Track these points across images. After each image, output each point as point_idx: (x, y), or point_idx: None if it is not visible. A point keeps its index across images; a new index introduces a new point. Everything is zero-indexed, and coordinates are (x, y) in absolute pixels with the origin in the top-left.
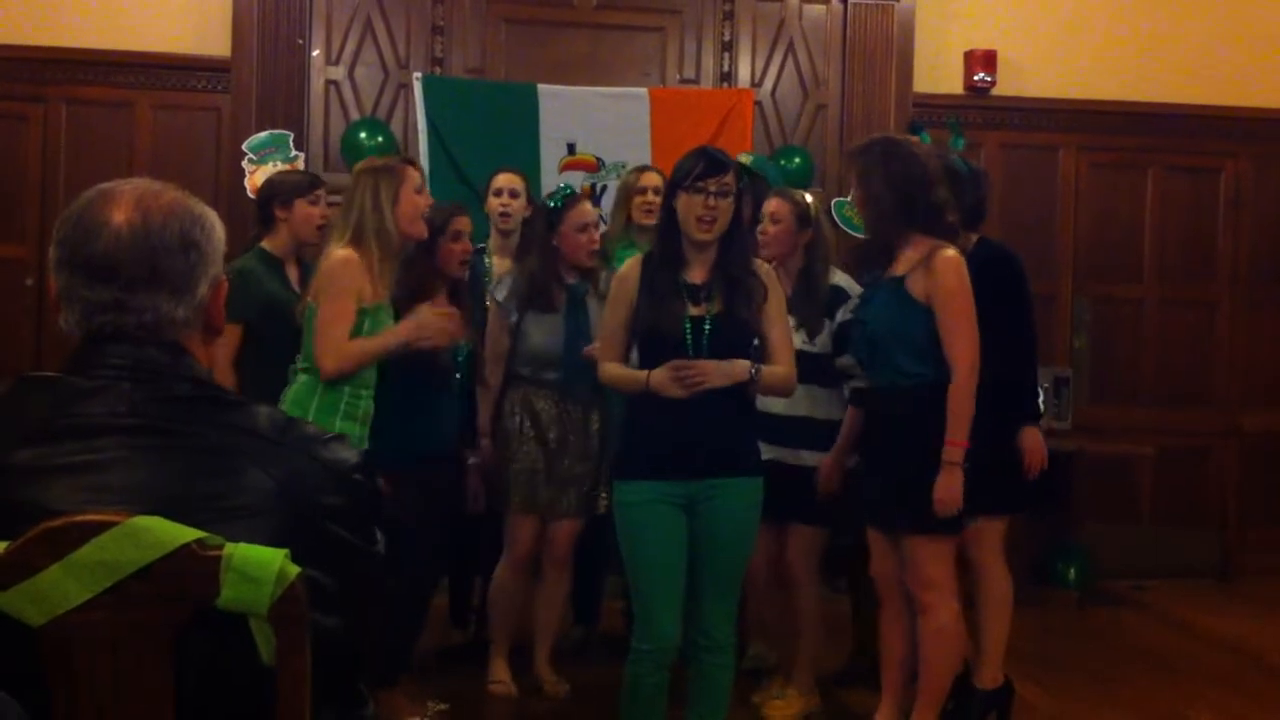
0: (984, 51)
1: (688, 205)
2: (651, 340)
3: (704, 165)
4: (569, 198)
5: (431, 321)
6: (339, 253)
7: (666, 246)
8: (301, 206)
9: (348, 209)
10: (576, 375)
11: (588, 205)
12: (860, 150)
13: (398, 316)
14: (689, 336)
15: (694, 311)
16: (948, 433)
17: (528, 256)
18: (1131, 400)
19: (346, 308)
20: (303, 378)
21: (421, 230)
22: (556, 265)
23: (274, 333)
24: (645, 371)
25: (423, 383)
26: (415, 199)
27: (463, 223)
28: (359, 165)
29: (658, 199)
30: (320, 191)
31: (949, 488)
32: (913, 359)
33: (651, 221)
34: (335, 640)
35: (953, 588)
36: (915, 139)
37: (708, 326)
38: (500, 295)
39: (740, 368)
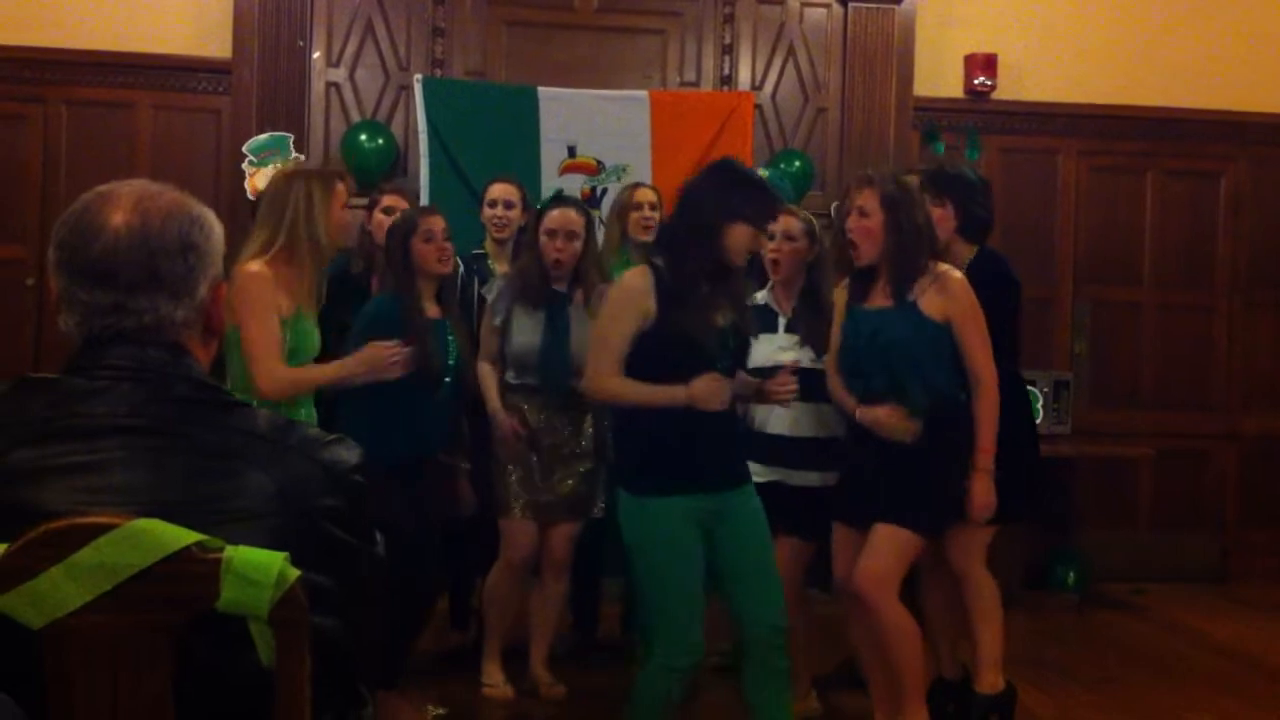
0: (984, 55)
1: (746, 237)
2: (687, 351)
3: (772, 205)
4: (551, 200)
5: (377, 358)
6: (251, 268)
7: (707, 260)
8: None
9: (275, 214)
10: (550, 379)
11: (561, 211)
12: (894, 183)
13: (384, 322)
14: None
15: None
16: (980, 440)
17: (521, 256)
18: (1131, 404)
19: (272, 328)
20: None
21: (349, 240)
22: (542, 264)
23: None
24: (681, 387)
25: (404, 386)
26: (343, 214)
27: (433, 222)
28: (286, 170)
29: (655, 214)
30: None
31: (987, 494)
32: (946, 377)
33: (648, 238)
34: (335, 642)
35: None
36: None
37: (731, 337)
38: (490, 295)
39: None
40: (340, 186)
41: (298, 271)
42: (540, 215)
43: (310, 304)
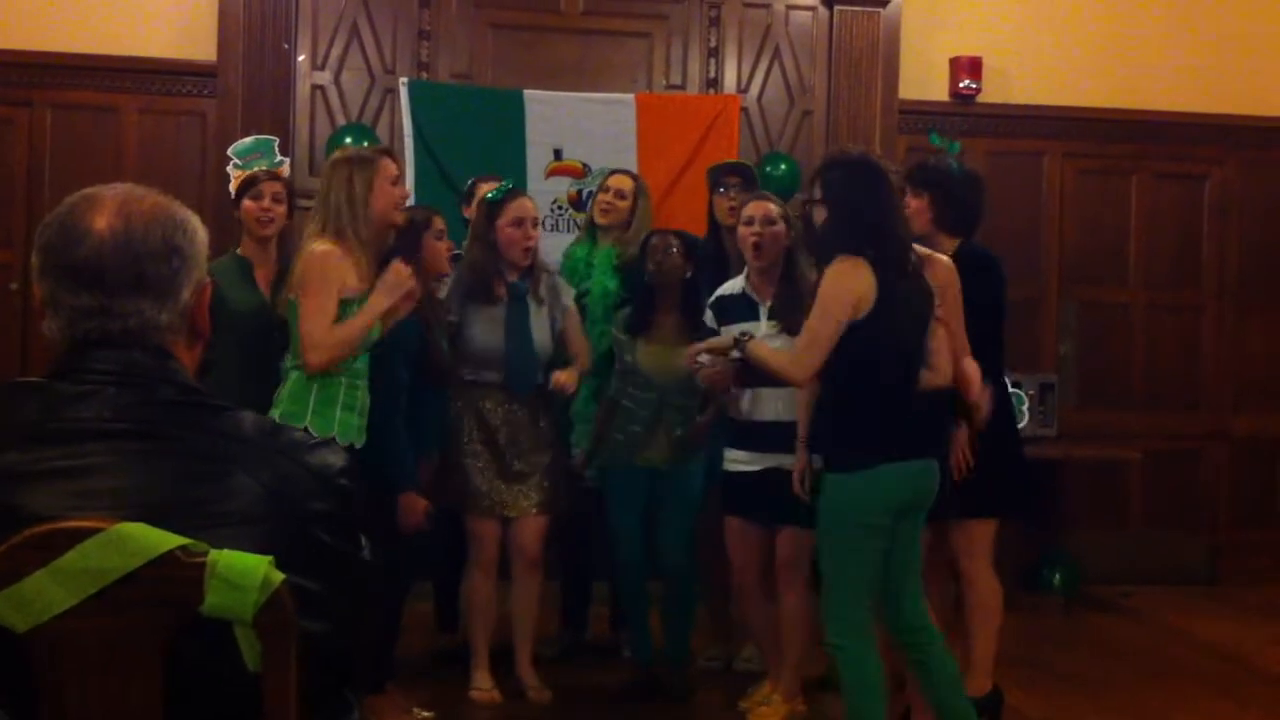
0: (970, 58)
1: None
2: None
3: None
4: (508, 191)
5: (395, 278)
6: (319, 246)
7: None
8: (245, 204)
9: (324, 200)
10: (518, 375)
11: (525, 201)
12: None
13: (401, 324)
14: None
15: None
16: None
17: (469, 251)
18: (1119, 405)
19: (327, 301)
20: (295, 374)
21: (399, 219)
22: (496, 258)
23: (220, 331)
24: None
25: (426, 389)
26: (392, 190)
27: (441, 221)
28: (334, 155)
29: (619, 201)
30: (264, 185)
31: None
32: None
33: (607, 221)
34: (322, 646)
35: None
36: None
37: None
38: (441, 294)
39: None
40: (385, 162)
41: (353, 253)
42: (495, 208)
43: (371, 284)
